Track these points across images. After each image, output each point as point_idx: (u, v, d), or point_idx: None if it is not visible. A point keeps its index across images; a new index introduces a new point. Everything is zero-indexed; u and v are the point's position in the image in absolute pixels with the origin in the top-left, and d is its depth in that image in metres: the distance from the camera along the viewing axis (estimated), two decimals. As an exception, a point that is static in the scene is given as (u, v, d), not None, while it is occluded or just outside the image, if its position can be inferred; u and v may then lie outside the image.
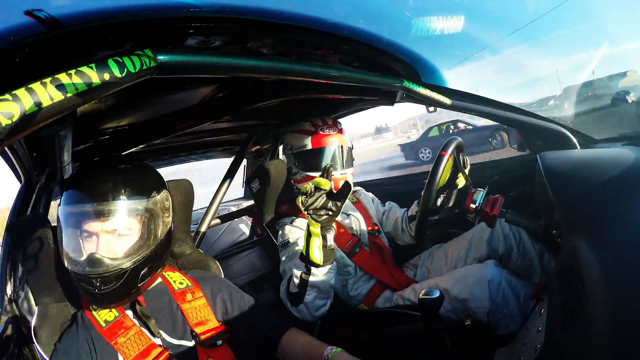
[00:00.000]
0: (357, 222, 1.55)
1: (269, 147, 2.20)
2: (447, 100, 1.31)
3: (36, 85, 0.43)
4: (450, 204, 1.25)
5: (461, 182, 1.27)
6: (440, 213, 1.28)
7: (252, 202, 2.06)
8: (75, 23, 0.50)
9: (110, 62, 0.50)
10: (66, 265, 0.80)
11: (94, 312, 0.85)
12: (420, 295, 1.03)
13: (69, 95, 0.45)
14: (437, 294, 1.01)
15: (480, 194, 1.17)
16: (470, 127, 11.22)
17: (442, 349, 1.11)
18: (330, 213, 1.10)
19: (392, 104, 1.40)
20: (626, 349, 0.45)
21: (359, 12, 0.82)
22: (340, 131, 1.54)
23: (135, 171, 0.87)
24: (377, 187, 2.07)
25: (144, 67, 0.56)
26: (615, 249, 0.66)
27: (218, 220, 1.91)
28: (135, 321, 0.86)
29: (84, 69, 0.48)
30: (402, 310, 1.31)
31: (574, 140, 1.41)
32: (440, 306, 1.01)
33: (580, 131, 1.46)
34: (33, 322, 0.84)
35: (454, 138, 1.25)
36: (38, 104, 0.43)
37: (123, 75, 0.52)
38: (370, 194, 1.75)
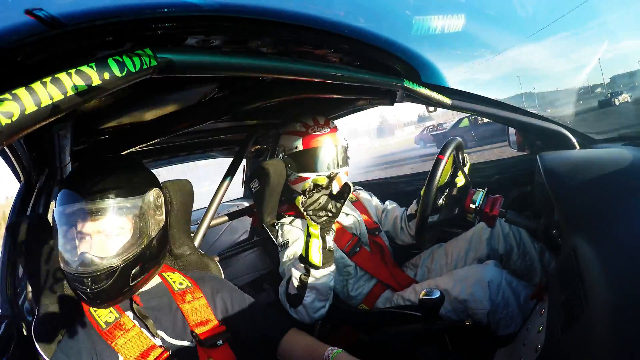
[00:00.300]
0: (357, 222, 1.55)
1: (268, 147, 2.20)
2: (447, 100, 1.31)
3: (36, 85, 0.43)
4: (450, 204, 1.25)
5: (460, 181, 1.27)
6: (440, 213, 1.28)
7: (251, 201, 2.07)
8: (76, 22, 0.49)
9: (110, 62, 0.50)
10: (61, 266, 0.80)
11: (94, 313, 0.85)
12: (421, 296, 1.03)
13: (69, 94, 0.45)
14: (437, 294, 1.01)
15: (480, 194, 1.17)
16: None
17: (442, 349, 1.11)
18: (330, 214, 1.10)
19: (392, 104, 1.40)
20: (627, 349, 0.45)
21: (359, 11, 0.82)
22: (333, 130, 1.54)
23: (125, 170, 0.87)
24: (377, 187, 2.07)
25: (144, 66, 0.56)
26: (615, 249, 0.66)
27: (218, 220, 1.90)
28: (136, 322, 0.86)
29: (84, 68, 0.48)
30: (402, 310, 1.31)
31: (574, 140, 1.42)
32: (440, 307, 1.01)
33: (580, 131, 1.47)
34: (33, 322, 0.84)
35: (454, 138, 1.26)
36: (38, 104, 0.43)
37: (123, 74, 0.52)
38: (369, 193, 1.75)
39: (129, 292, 0.84)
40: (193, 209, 1.14)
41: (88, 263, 0.77)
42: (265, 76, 1.10)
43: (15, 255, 1.00)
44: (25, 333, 0.91)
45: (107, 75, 0.50)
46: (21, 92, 0.42)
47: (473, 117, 12.59)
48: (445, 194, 1.28)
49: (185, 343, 0.87)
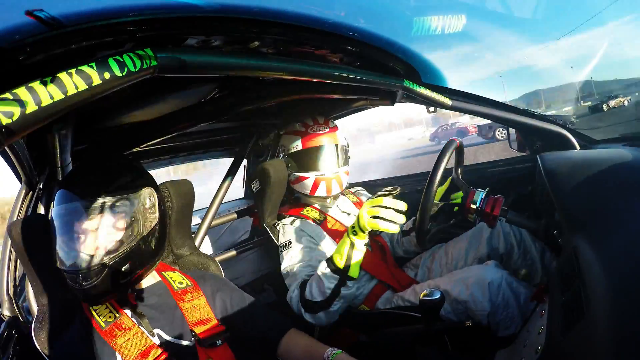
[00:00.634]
0: None
1: (269, 147, 2.20)
2: (448, 101, 1.31)
3: (37, 85, 0.43)
4: (448, 212, 1.25)
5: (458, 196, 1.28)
6: (438, 221, 1.29)
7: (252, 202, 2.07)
8: (76, 22, 0.49)
9: (111, 61, 0.50)
10: (57, 265, 0.81)
11: (94, 313, 0.85)
12: (421, 297, 1.03)
13: (69, 94, 0.45)
14: (437, 295, 1.01)
15: (480, 195, 1.17)
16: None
17: (442, 350, 1.11)
18: (392, 223, 1.04)
19: (393, 104, 1.40)
20: (627, 350, 0.45)
21: (360, 12, 0.83)
22: (332, 130, 1.53)
23: (117, 169, 0.88)
24: (377, 188, 2.07)
25: (145, 66, 0.56)
26: (616, 250, 0.66)
27: (219, 221, 1.91)
28: (135, 321, 0.86)
29: (85, 68, 0.48)
30: (402, 311, 1.31)
31: (574, 140, 1.42)
32: (440, 307, 1.01)
33: (580, 132, 1.47)
34: (33, 322, 0.84)
35: (453, 140, 1.26)
36: (38, 103, 0.43)
37: (123, 74, 0.52)
38: (371, 195, 1.75)
39: (121, 289, 0.85)
40: (194, 209, 1.14)
41: (79, 261, 0.78)
42: (265, 76, 1.11)
43: (16, 256, 1.00)
44: (25, 333, 0.91)
45: (107, 75, 0.50)
46: (22, 91, 0.42)
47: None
48: (444, 203, 1.28)
49: (184, 342, 0.87)
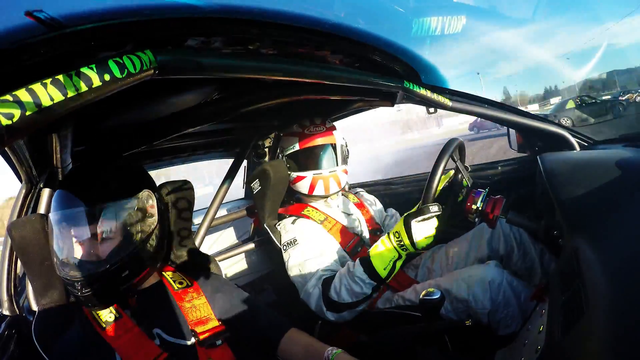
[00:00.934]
0: (359, 222, 1.55)
1: (269, 147, 2.20)
2: (448, 101, 1.31)
3: (37, 86, 0.43)
4: (450, 210, 1.25)
5: (461, 181, 1.28)
6: (442, 216, 1.28)
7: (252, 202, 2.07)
8: (76, 24, 0.50)
9: (111, 63, 0.50)
10: (57, 271, 0.81)
11: (94, 313, 0.85)
12: (421, 296, 1.03)
13: (69, 95, 0.45)
14: (437, 294, 1.01)
15: (481, 195, 1.17)
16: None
17: (442, 350, 1.11)
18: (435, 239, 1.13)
19: (393, 105, 1.40)
20: (627, 350, 0.45)
21: (359, 13, 0.82)
22: (329, 129, 1.55)
23: (113, 173, 0.87)
24: (378, 188, 2.08)
25: (144, 67, 0.56)
26: (616, 250, 0.66)
27: (218, 221, 1.91)
28: (135, 322, 0.86)
29: (85, 69, 0.48)
30: (402, 311, 1.31)
31: (574, 141, 1.42)
32: (441, 307, 1.01)
33: (580, 132, 1.47)
34: (33, 322, 0.84)
35: (454, 139, 1.26)
36: (38, 105, 0.43)
37: (123, 75, 0.52)
38: (373, 198, 1.75)
39: (121, 294, 0.85)
40: (194, 209, 1.14)
41: (77, 268, 0.78)
42: (265, 78, 1.11)
43: (16, 255, 1.00)
44: (25, 333, 0.91)
45: (107, 77, 0.50)
46: (22, 93, 0.42)
47: (578, 98, 13.17)
48: (445, 199, 1.28)
49: (184, 342, 0.87)
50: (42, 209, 1.03)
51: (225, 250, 1.97)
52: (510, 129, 1.67)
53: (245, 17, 0.67)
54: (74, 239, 0.80)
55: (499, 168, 1.80)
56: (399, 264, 1.16)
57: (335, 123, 1.66)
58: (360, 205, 1.63)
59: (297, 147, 1.52)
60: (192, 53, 0.71)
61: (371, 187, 2.12)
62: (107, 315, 0.85)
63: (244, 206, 2.08)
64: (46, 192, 1.04)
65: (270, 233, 1.56)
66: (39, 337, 0.82)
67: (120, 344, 0.81)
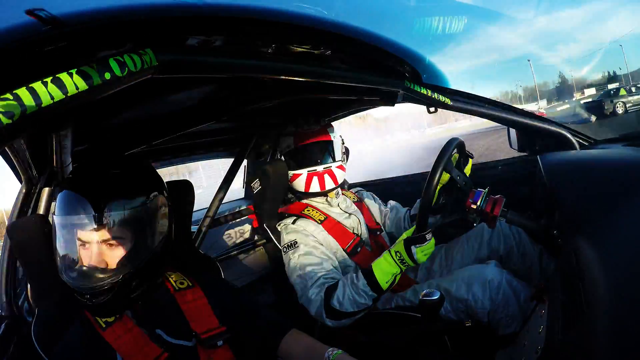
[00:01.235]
0: (358, 222, 1.55)
1: (269, 147, 2.20)
2: (448, 101, 1.31)
3: (37, 85, 0.43)
4: (451, 205, 1.25)
5: (461, 180, 1.28)
6: (441, 215, 1.28)
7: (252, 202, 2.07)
8: (77, 22, 0.49)
9: (111, 62, 0.50)
10: (60, 275, 0.78)
11: (91, 313, 0.84)
12: (421, 297, 1.03)
13: (70, 94, 0.45)
14: (437, 295, 1.01)
15: (481, 194, 1.17)
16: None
17: (442, 350, 1.11)
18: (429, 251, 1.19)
19: (393, 105, 1.40)
20: (627, 350, 0.45)
21: (360, 12, 0.83)
22: (324, 127, 1.56)
23: (128, 177, 0.82)
24: (378, 187, 2.07)
25: (145, 66, 0.56)
26: (616, 250, 0.66)
27: (218, 221, 1.91)
28: (136, 322, 0.86)
29: (85, 68, 0.48)
30: (402, 311, 1.31)
31: (574, 141, 1.42)
32: (440, 307, 1.01)
33: (580, 132, 1.47)
34: (33, 323, 0.84)
35: (455, 138, 1.26)
36: (39, 104, 0.43)
37: (124, 74, 0.52)
38: (372, 194, 1.76)
39: (130, 304, 0.83)
40: (194, 209, 1.14)
41: (87, 277, 0.75)
42: (265, 77, 1.11)
43: (16, 256, 1.00)
44: (25, 334, 0.90)
45: (108, 75, 0.50)
46: (22, 92, 0.42)
47: (629, 86, 13.47)
48: (445, 194, 1.28)
49: (185, 343, 0.86)
50: (42, 210, 1.03)
51: (225, 251, 1.97)
52: (510, 128, 1.67)
53: (246, 16, 0.67)
54: (83, 245, 0.76)
55: (499, 168, 1.80)
56: (398, 277, 1.22)
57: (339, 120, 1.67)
58: (360, 205, 1.63)
59: (292, 145, 1.55)
60: (193, 52, 0.70)
61: (371, 186, 2.12)
62: None
63: (244, 206, 2.08)
64: (46, 192, 1.03)
65: (270, 233, 1.56)
66: (38, 338, 0.82)
67: (120, 344, 0.81)
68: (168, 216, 0.87)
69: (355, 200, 1.65)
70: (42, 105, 0.43)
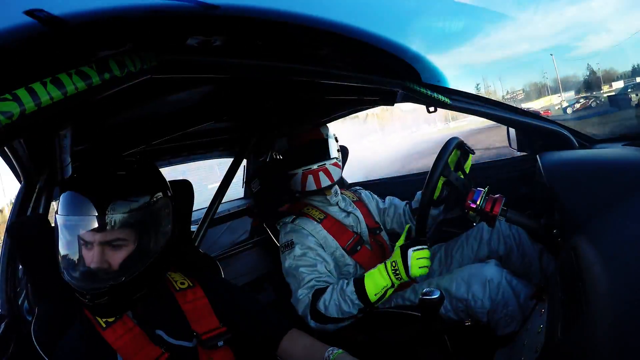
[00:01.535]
0: (358, 220, 1.56)
1: (268, 147, 2.20)
2: (448, 101, 1.31)
3: (36, 85, 0.43)
4: (451, 201, 1.26)
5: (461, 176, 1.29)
6: (442, 210, 1.29)
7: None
8: (76, 23, 0.49)
9: (111, 62, 0.50)
10: (62, 275, 0.78)
11: (92, 313, 0.84)
12: (421, 296, 1.03)
13: (69, 95, 0.45)
14: (437, 294, 1.01)
15: (480, 194, 1.17)
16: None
17: (442, 350, 1.11)
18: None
19: (393, 104, 1.40)
20: (627, 350, 0.45)
21: (360, 12, 0.82)
22: (316, 126, 1.56)
23: (133, 178, 0.82)
24: (377, 187, 2.07)
25: (145, 66, 0.56)
26: (615, 249, 0.67)
27: (218, 220, 1.91)
28: (136, 322, 0.86)
29: (85, 68, 0.48)
30: (402, 310, 1.31)
31: (574, 140, 1.42)
32: (440, 307, 1.01)
33: (580, 131, 1.47)
34: (33, 323, 0.84)
35: (454, 138, 1.26)
36: (38, 104, 0.43)
37: (123, 74, 0.52)
38: (369, 193, 1.75)
39: (132, 305, 0.83)
40: (193, 209, 1.14)
41: (89, 278, 0.75)
42: (265, 77, 1.11)
43: (15, 256, 1.00)
44: (24, 333, 0.90)
45: (107, 76, 0.50)
46: (22, 92, 0.42)
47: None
48: (448, 187, 1.29)
49: (185, 343, 0.86)
50: (41, 209, 1.03)
51: (225, 250, 1.97)
52: (510, 128, 1.67)
53: (246, 16, 0.67)
54: (86, 246, 0.76)
55: (499, 167, 1.80)
56: (390, 292, 1.20)
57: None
58: (359, 204, 1.64)
59: (287, 146, 1.55)
60: (192, 52, 0.70)
61: (371, 186, 2.12)
62: None
63: (244, 206, 2.08)
64: (46, 192, 1.03)
65: (270, 233, 1.56)
66: (38, 337, 0.82)
67: (121, 344, 0.81)
68: (172, 217, 0.87)
69: (355, 199, 1.65)
70: (42, 105, 0.43)
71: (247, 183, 1.91)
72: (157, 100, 1.08)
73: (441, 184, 1.31)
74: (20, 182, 1.08)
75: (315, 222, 1.46)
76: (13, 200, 1.09)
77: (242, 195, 2.36)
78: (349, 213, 1.55)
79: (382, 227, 1.63)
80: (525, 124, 1.47)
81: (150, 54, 0.58)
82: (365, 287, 1.19)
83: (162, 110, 1.19)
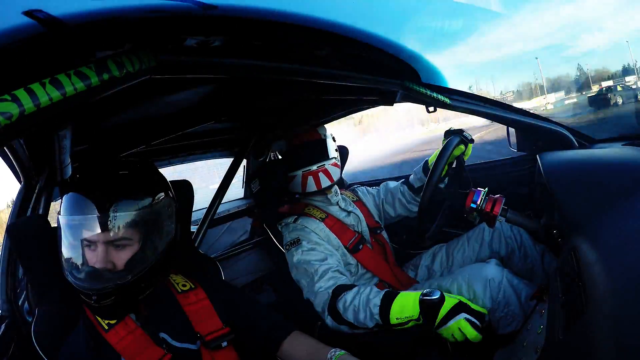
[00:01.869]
0: (359, 219, 1.56)
1: (268, 147, 2.20)
2: (447, 100, 1.31)
3: (35, 86, 0.43)
4: (452, 196, 1.26)
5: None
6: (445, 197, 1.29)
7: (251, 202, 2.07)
8: (75, 23, 0.49)
9: (110, 63, 0.50)
10: (66, 277, 0.78)
11: (96, 314, 0.84)
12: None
13: (68, 95, 0.45)
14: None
15: (480, 194, 1.17)
16: None
17: (442, 350, 1.11)
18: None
19: (392, 104, 1.40)
20: (627, 350, 0.45)
21: (359, 12, 0.82)
22: (314, 127, 1.56)
23: (136, 178, 0.83)
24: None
25: (144, 67, 0.56)
26: (615, 249, 0.66)
27: (218, 221, 1.90)
28: (138, 323, 0.85)
29: (83, 69, 0.48)
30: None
31: (573, 140, 1.42)
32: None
33: (579, 131, 1.47)
34: (33, 324, 0.84)
35: (454, 138, 1.26)
36: (37, 105, 0.43)
37: (122, 75, 0.52)
38: (366, 188, 1.75)
39: (136, 306, 0.83)
40: (193, 209, 1.14)
41: (95, 278, 0.75)
42: (265, 77, 1.10)
43: (15, 256, 1.00)
44: (25, 335, 0.90)
45: (106, 76, 0.50)
46: (20, 93, 0.42)
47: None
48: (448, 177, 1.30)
49: (189, 345, 0.86)
50: (41, 210, 1.03)
51: (225, 251, 1.97)
52: (509, 128, 1.67)
53: (245, 16, 0.67)
54: (90, 246, 0.76)
55: (499, 167, 1.80)
56: (412, 324, 1.08)
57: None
58: (359, 204, 1.64)
59: (284, 148, 1.55)
60: (191, 53, 0.70)
61: (369, 186, 2.12)
62: None
63: (244, 206, 2.08)
64: (46, 192, 1.03)
65: (270, 233, 1.56)
66: (38, 338, 0.81)
67: (123, 345, 0.80)
68: (174, 217, 0.88)
69: (355, 199, 1.65)
70: (41, 106, 0.43)
71: (247, 183, 1.91)
72: (157, 100, 1.08)
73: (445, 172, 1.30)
74: (20, 183, 1.08)
75: (318, 221, 1.46)
76: (12, 201, 1.09)
77: (242, 195, 2.36)
78: (349, 212, 1.55)
79: (382, 226, 1.64)
80: (524, 124, 1.46)
81: (149, 54, 0.58)
82: (392, 306, 1.10)
83: (161, 110, 1.19)
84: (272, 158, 1.63)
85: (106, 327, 0.82)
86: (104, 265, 0.75)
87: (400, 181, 1.67)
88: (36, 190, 1.05)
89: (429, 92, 1.24)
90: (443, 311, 1.02)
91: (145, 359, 0.80)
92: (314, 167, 1.48)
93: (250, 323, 0.94)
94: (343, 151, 1.70)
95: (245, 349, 0.93)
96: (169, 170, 1.93)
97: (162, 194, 0.85)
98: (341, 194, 1.61)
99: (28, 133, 0.80)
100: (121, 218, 0.76)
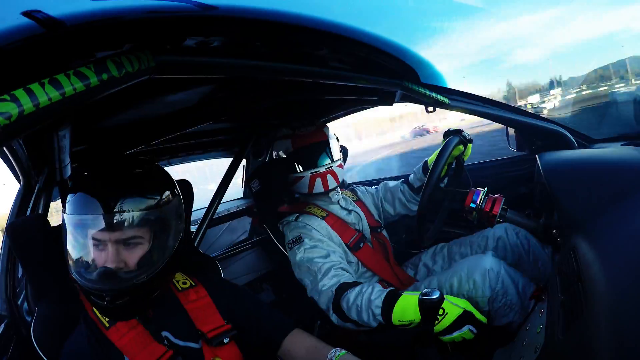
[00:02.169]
0: (360, 218, 1.56)
1: (268, 146, 2.20)
2: (446, 100, 1.31)
3: (35, 86, 0.43)
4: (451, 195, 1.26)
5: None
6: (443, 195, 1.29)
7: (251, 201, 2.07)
8: (74, 24, 0.49)
9: (109, 63, 0.50)
10: (74, 278, 0.77)
11: (97, 312, 0.84)
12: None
13: (67, 95, 0.45)
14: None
15: (480, 194, 1.17)
16: None
17: (442, 350, 1.11)
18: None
19: (391, 104, 1.40)
20: (626, 350, 0.45)
21: (359, 12, 0.82)
22: (319, 127, 1.55)
23: (149, 176, 0.83)
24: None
25: (143, 67, 0.56)
26: (614, 249, 0.67)
27: (218, 220, 1.91)
28: (139, 321, 0.85)
29: (83, 69, 0.48)
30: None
31: (573, 140, 1.42)
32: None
33: (579, 131, 1.47)
34: (33, 323, 0.84)
35: (454, 138, 1.26)
36: (37, 105, 0.43)
37: (121, 75, 0.52)
38: (365, 188, 1.75)
39: (148, 305, 0.83)
40: (193, 209, 1.14)
41: (108, 278, 0.74)
42: (264, 78, 1.11)
43: (15, 256, 1.00)
44: (24, 334, 0.90)
45: (105, 77, 0.50)
46: (20, 93, 0.42)
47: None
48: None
49: (191, 343, 0.86)
50: (40, 209, 1.03)
51: (225, 250, 1.98)
52: (508, 128, 1.67)
53: (244, 16, 0.67)
54: (99, 245, 0.75)
55: (498, 167, 1.80)
56: (412, 325, 1.08)
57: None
58: (359, 203, 1.64)
59: (290, 148, 1.53)
60: (191, 53, 0.70)
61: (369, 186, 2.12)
62: None
63: (243, 206, 2.08)
64: (45, 192, 1.03)
65: (270, 232, 1.56)
66: (38, 338, 0.81)
67: (125, 342, 0.80)
68: (184, 215, 0.88)
69: (355, 199, 1.65)
70: (40, 106, 0.43)
71: (247, 183, 1.91)
72: (156, 100, 1.08)
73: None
74: (19, 183, 1.08)
75: (319, 219, 1.46)
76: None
77: (241, 195, 2.36)
78: (350, 211, 1.56)
79: (383, 225, 1.64)
80: (524, 124, 1.47)
81: (148, 54, 0.57)
82: (394, 308, 1.10)
83: (161, 110, 1.19)
84: (274, 158, 1.62)
85: (107, 325, 0.82)
86: (116, 264, 0.75)
87: (400, 180, 1.67)
88: (35, 190, 1.05)
89: (428, 92, 1.25)
90: (448, 321, 1.03)
91: (146, 356, 0.80)
92: (322, 169, 1.48)
93: (251, 320, 0.95)
94: (343, 151, 1.70)
95: (250, 345, 0.93)
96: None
97: (173, 192, 0.85)
98: (341, 193, 1.62)
99: (28, 133, 0.79)
100: (134, 216, 0.75)
